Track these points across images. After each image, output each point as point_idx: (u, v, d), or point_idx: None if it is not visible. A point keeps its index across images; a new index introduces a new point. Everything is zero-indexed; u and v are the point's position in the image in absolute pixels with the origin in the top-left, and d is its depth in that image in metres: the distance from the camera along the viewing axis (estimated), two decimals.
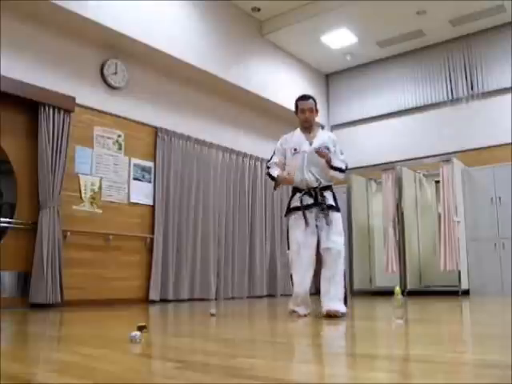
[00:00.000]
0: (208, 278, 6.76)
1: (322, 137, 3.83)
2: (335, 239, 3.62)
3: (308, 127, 3.85)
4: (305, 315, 3.64)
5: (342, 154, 3.79)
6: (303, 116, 3.84)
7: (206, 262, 6.79)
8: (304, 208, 3.67)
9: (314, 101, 3.91)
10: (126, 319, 3.97)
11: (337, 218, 3.69)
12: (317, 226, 3.64)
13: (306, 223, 3.65)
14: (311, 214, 3.66)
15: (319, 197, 3.66)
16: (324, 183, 3.72)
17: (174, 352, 2.14)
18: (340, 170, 3.70)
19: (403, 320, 3.13)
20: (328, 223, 3.61)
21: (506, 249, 6.89)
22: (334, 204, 3.70)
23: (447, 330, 2.98)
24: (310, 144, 3.77)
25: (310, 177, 3.71)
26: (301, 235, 3.68)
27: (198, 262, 6.69)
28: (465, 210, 7.31)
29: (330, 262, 3.60)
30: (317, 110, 3.90)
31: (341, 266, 3.64)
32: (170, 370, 1.65)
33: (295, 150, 3.79)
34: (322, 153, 3.63)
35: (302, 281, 3.68)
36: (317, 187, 3.68)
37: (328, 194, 3.72)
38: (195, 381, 1.47)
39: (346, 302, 3.65)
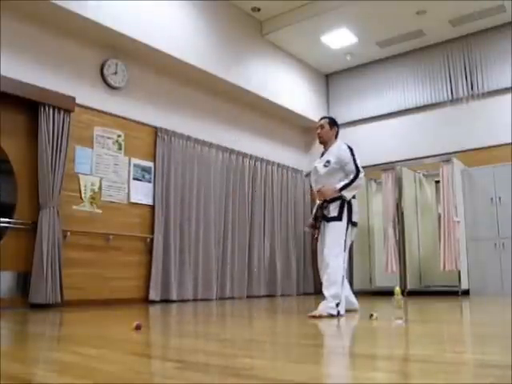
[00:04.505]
0: (210, 278, 6.77)
1: (330, 153, 4.06)
2: (325, 251, 3.85)
3: (322, 143, 4.20)
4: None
5: (347, 164, 3.93)
6: (316, 134, 4.25)
7: (208, 262, 6.79)
8: (314, 219, 4.06)
9: (330, 119, 4.25)
10: (126, 319, 3.96)
11: (331, 227, 3.87)
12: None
13: (316, 233, 4.02)
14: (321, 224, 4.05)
15: (324, 210, 3.97)
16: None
17: (174, 352, 2.14)
18: (345, 186, 3.86)
19: (403, 320, 3.13)
20: (323, 234, 3.95)
21: (506, 249, 6.89)
22: (335, 215, 3.88)
23: (447, 330, 2.98)
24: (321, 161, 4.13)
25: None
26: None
27: (200, 262, 6.69)
28: (465, 210, 7.31)
29: (323, 271, 3.87)
30: (331, 126, 4.16)
31: (327, 276, 3.75)
32: (170, 369, 1.65)
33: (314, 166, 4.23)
34: (321, 193, 3.94)
35: None
36: (324, 200, 3.98)
37: (333, 206, 3.91)
38: (195, 381, 1.47)
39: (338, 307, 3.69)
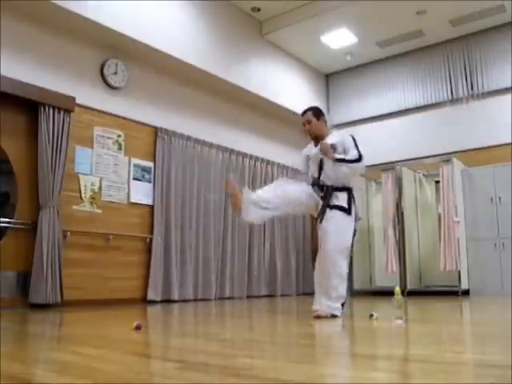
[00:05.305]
0: (210, 278, 6.76)
1: (331, 139, 3.76)
2: (329, 245, 3.56)
3: (314, 138, 3.85)
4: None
5: (349, 150, 3.67)
6: (304, 130, 3.87)
7: (208, 262, 6.79)
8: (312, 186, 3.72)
9: (314, 110, 3.88)
10: (126, 319, 3.96)
11: (338, 219, 3.57)
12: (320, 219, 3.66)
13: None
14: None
15: (329, 199, 3.63)
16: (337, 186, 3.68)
17: (174, 352, 2.14)
18: (342, 160, 3.57)
19: (403, 320, 3.13)
20: (327, 224, 3.60)
21: (506, 249, 6.89)
22: (344, 205, 3.59)
23: (447, 330, 2.98)
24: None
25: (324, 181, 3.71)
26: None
27: (200, 262, 6.69)
28: (465, 210, 7.31)
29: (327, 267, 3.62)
30: (318, 117, 3.84)
31: (334, 271, 3.55)
32: (170, 369, 1.65)
33: (308, 156, 3.86)
34: (323, 147, 3.59)
35: None
36: (330, 186, 3.67)
37: (341, 195, 3.63)
38: (195, 381, 1.47)
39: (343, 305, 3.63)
